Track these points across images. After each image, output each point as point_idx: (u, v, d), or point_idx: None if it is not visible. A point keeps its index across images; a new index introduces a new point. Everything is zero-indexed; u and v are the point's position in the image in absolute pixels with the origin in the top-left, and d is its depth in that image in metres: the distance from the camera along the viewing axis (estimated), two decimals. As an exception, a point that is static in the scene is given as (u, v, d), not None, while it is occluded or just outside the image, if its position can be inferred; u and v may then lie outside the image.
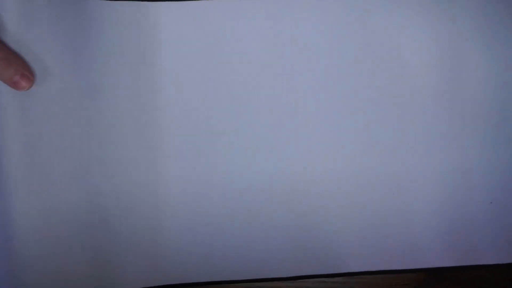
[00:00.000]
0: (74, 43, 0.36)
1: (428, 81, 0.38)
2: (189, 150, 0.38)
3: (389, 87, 0.38)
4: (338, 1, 0.37)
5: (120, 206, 0.37)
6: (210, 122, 0.38)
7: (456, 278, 0.41)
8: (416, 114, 0.39)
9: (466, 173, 0.39)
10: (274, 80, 0.38)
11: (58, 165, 0.36)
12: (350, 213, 0.39)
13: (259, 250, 0.38)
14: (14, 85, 0.35)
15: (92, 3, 0.36)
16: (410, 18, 0.38)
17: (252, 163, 0.38)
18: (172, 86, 0.37)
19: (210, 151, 0.38)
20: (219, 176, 0.38)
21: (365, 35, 0.38)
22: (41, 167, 0.36)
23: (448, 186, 0.39)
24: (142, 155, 0.37)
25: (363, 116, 0.38)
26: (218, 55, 0.37)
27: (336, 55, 0.38)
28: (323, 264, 0.39)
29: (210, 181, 0.38)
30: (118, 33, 0.36)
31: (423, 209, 0.39)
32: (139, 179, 0.37)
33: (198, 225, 0.38)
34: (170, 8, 0.37)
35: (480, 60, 0.38)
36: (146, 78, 0.37)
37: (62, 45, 0.36)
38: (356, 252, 0.39)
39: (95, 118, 0.37)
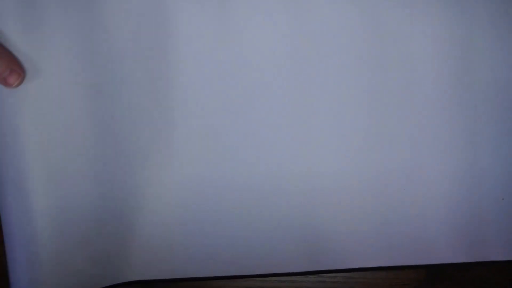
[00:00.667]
0: (82, 36, 0.36)
1: (441, 79, 0.38)
2: (199, 147, 0.38)
3: (401, 85, 0.38)
4: None
5: (131, 202, 0.38)
6: (221, 118, 0.38)
7: (456, 278, 0.41)
8: (427, 110, 0.39)
9: (478, 170, 0.39)
10: (285, 77, 0.38)
11: (71, 163, 0.36)
12: (360, 210, 0.39)
13: (263, 247, 0.39)
14: (3, 81, 0.34)
15: None
16: (422, 15, 0.38)
17: (260, 160, 0.38)
18: (183, 82, 0.37)
19: (219, 147, 0.38)
20: (226, 173, 0.38)
21: (377, 33, 0.38)
22: (53, 166, 0.36)
23: (459, 182, 0.39)
24: (154, 152, 0.38)
25: (374, 113, 0.38)
26: (228, 51, 0.37)
27: (347, 53, 0.38)
28: (331, 260, 0.39)
29: (218, 179, 0.38)
30: (129, 26, 0.36)
31: (435, 206, 0.39)
32: (150, 176, 0.38)
33: (204, 221, 0.38)
34: (185, 1, 0.37)
35: (493, 57, 0.38)
36: (159, 73, 0.37)
37: (70, 39, 0.36)
38: (368, 248, 0.39)
39: (105, 117, 0.37)
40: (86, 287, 0.37)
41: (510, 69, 0.39)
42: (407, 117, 0.39)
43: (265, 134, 0.38)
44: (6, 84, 0.34)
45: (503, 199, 0.39)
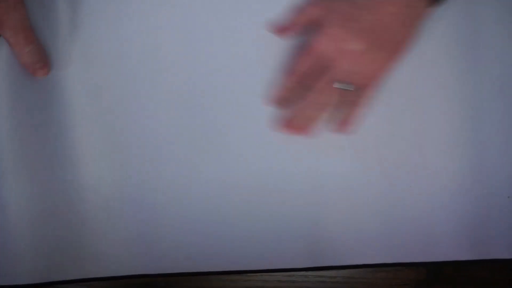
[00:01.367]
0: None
1: (446, 75, 0.39)
2: (199, 146, 0.38)
3: (407, 83, 0.39)
4: None
5: (125, 195, 0.38)
6: (217, 118, 0.38)
7: (456, 278, 0.41)
8: (431, 109, 0.39)
9: (483, 168, 0.39)
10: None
11: (54, 158, 0.38)
12: (363, 207, 0.39)
13: (265, 243, 0.39)
14: (34, 71, 0.36)
15: None
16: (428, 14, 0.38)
17: (263, 158, 0.39)
18: (178, 80, 0.38)
19: (219, 146, 0.38)
20: (229, 171, 0.39)
21: None
22: (34, 161, 0.37)
23: (464, 181, 0.39)
24: (147, 147, 0.38)
25: (379, 111, 0.39)
26: (228, 51, 0.38)
27: None
28: (332, 257, 0.39)
29: (220, 176, 0.39)
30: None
31: (441, 203, 0.39)
32: (143, 171, 0.38)
33: (207, 217, 0.39)
34: None
35: (498, 56, 0.39)
36: (146, 73, 0.38)
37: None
38: (371, 245, 0.39)
39: (97, 115, 0.38)
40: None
41: None
42: (411, 115, 0.39)
43: (267, 131, 0.38)
44: (35, 74, 0.36)
45: (508, 197, 0.39)
